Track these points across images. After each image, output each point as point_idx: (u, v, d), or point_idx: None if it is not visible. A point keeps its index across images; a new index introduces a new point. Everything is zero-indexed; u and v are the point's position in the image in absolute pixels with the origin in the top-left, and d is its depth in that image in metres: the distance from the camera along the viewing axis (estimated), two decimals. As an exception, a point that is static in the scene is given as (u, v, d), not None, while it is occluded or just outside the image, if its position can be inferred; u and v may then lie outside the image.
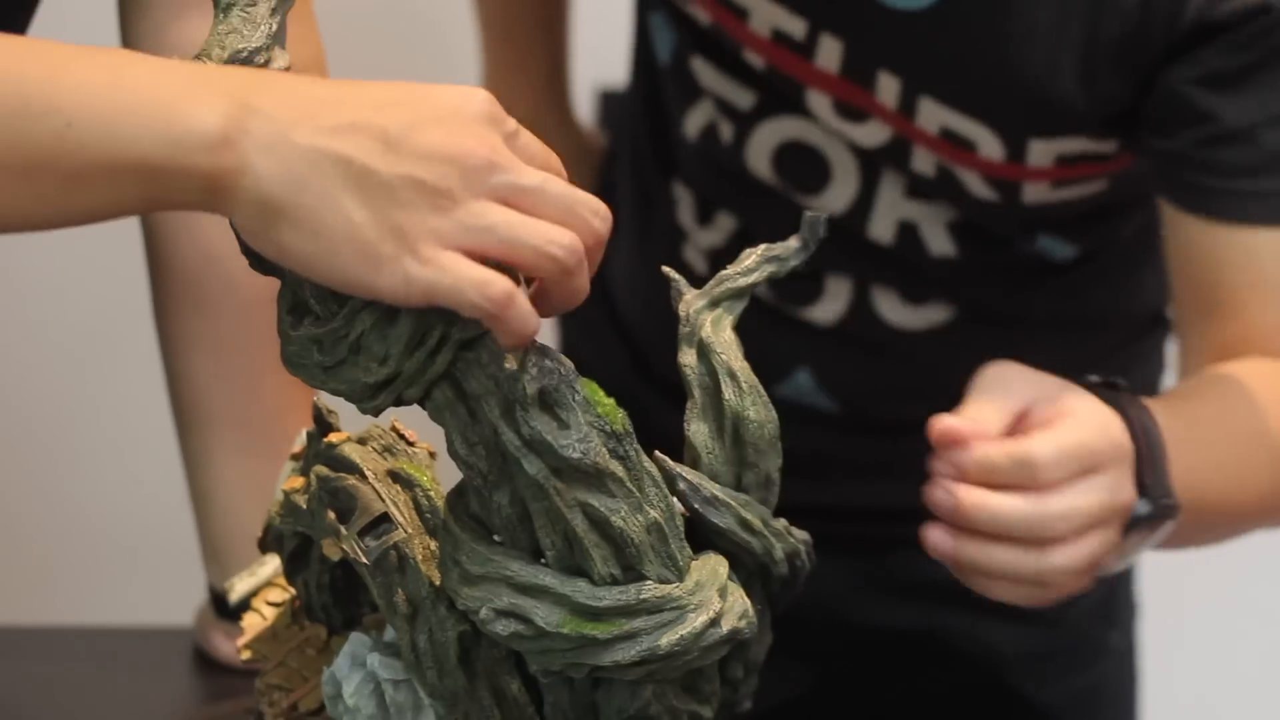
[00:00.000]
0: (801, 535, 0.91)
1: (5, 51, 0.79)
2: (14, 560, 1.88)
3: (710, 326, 0.89)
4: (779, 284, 1.31)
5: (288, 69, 0.85)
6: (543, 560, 0.83)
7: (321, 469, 0.91)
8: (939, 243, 1.29)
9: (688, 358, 0.89)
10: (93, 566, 1.88)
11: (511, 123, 0.80)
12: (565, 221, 0.79)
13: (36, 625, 1.24)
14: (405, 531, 0.88)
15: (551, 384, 0.80)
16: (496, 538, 0.84)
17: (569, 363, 0.81)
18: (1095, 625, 1.39)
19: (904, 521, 1.28)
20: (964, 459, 0.96)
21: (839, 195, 1.29)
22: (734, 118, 1.30)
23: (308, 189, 0.76)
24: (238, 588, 1.03)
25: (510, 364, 0.80)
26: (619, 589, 0.82)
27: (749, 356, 1.31)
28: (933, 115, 1.22)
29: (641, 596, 0.82)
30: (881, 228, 1.29)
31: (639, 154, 1.40)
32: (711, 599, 0.83)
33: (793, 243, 0.91)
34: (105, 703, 1.07)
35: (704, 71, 1.31)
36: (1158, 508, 1.03)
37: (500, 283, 0.77)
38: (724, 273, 0.90)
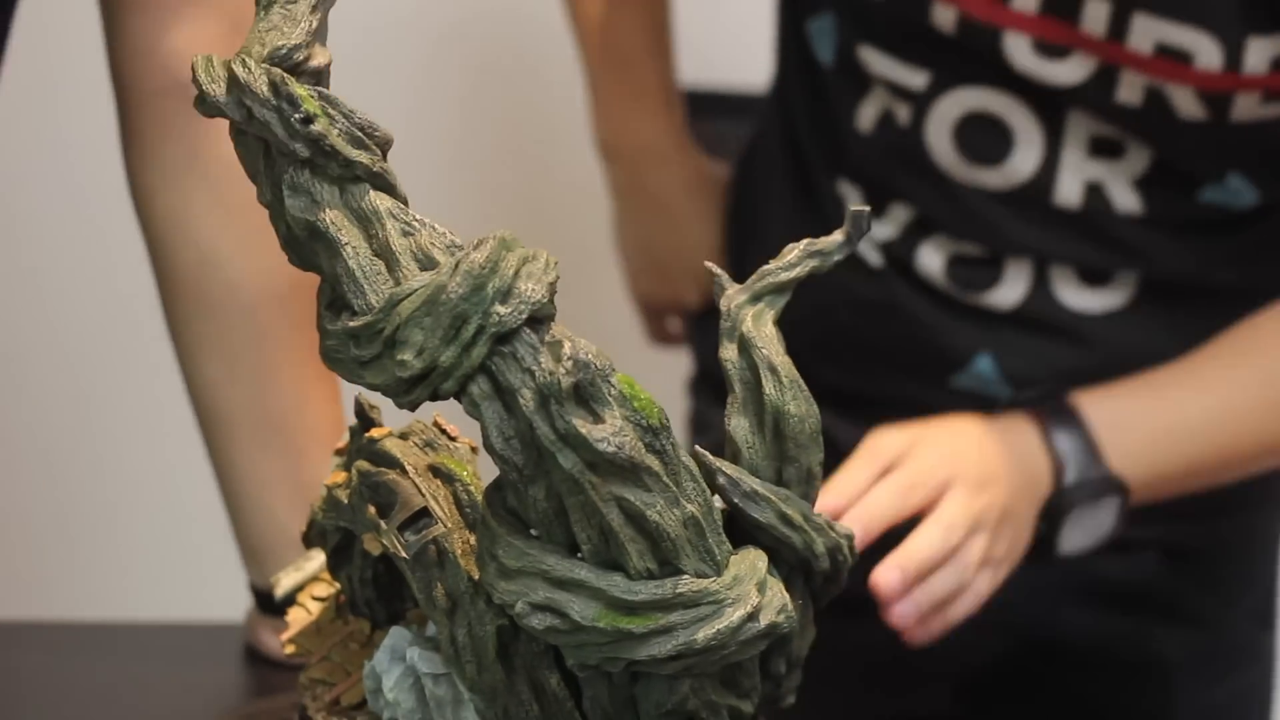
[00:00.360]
0: (844, 530, 0.90)
1: None
2: (67, 556, 1.89)
3: (751, 321, 0.88)
4: (957, 270, 1.33)
5: (328, 65, 0.86)
6: (579, 555, 0.83)
7: (363, 464, 0.91)
8: (1125, 199, 1.30)
9: (728, 352, 0.88)
10: (145, 561, 1.89)
11: None
12: None
13: (89, 621, 1.25)
14: (444, 526, 0.88)
15: (587, 378, 0.80)
16: (533, 532, 0.84)
17: (606, 357, 0.81)
18: (1254, 628, 1.40)
19: None
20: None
21: (1023, 162, 1.30)
22: (909, 100, 1.32)
23: None
24: (283, 583, 1.03)
25: (546, 358, 0.80)
26: (655, 583, 0.81)
27: (929, 346, 1.35)
28: (1146, 32, 1.22)
29: (678, 591, 0.82)
30: (1068, 191, 1.30)
31: (797, 155, 1.41)
32: (749, 593, 0.83)
33: (837, 237, 0.90)
34: (154, 696, 1.08)
35: (874, 60, 1.32)
36: (1088, 492, 1.19)
37: None
38: (765, 267, 0.90)
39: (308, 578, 1.03)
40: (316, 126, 0.82)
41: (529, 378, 0.80)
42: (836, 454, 1.36)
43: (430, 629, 0.91)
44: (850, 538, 0.91)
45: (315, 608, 1.00)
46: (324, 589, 1.01)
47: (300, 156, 0.82)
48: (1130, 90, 1.25)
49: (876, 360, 1.38)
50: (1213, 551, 1.37)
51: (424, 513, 0.88)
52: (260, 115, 0.82)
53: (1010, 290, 1.33)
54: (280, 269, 1.07)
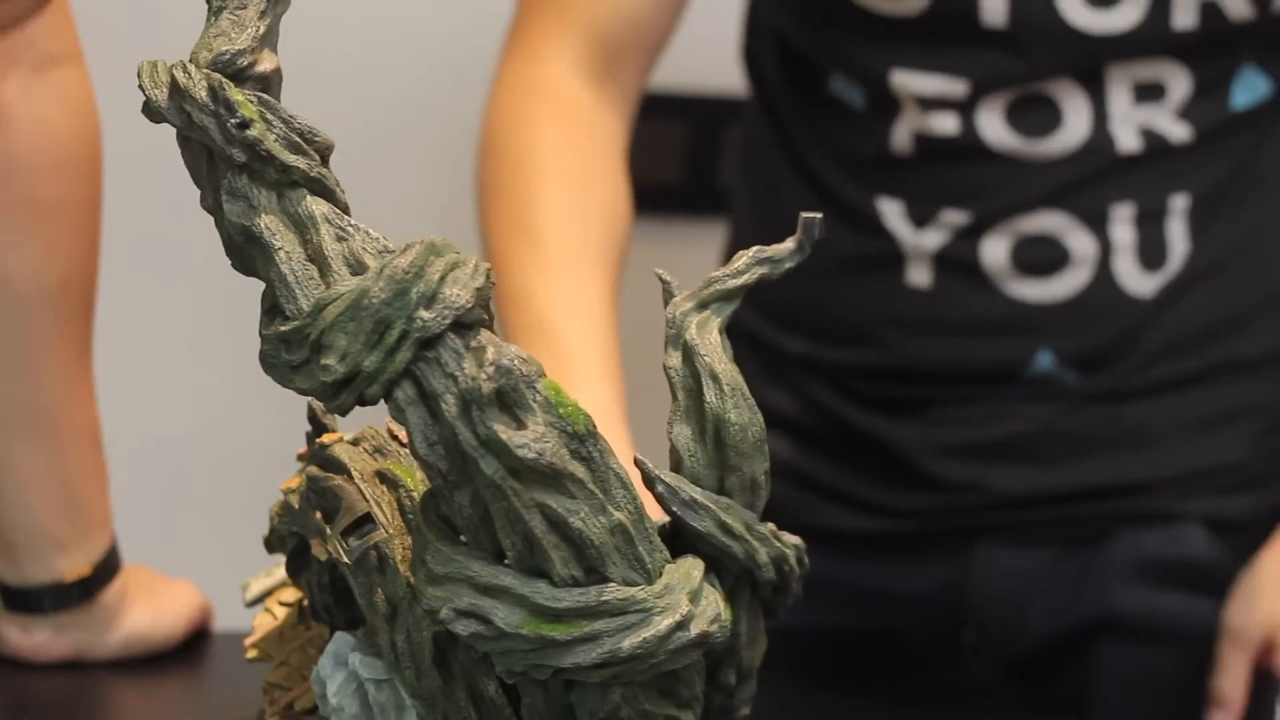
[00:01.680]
0: (791, 540, 0.90)
1: None
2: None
3: (695, 329, 0.88)
4: (1023, 255, 1.35)
5: (276, 69, 0.86)
6: (506, 561, 0.82)
7: (312, 469, 0.91)
8: (1175, 131, 1.34)
9: (672, 360, 0.88)
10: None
11: None
12: None
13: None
14: (386, 532, 0.88)
15: (509, 384, 0.79)
16: (464, 538, 0.83)
17: (532, 363, 0.80)
18: None
19: (1121, 499, 1.37)
20: None
21: (1075, 128, 1.33)
22: (952, 108, 1.34)
23: None
24: (252, 588, 1.04)
25: (469, 364, 0.80)
26: (579, 591, 0.81)
27: (986, 353, 1.36)
28: None
29: (603, 599, 0.81)
30: (1126, 138, 1.33)
31: (812, 176, 1.41)
32: (679, 602, 0.82)
33: (789, 244, 0.90)
34: (125, 707, 1.08)
35: (910, 81, 1.33)
36: None
37: None
38: (713, 275, 0.89)
39: (277, 583, 1.03)
40: (252, 131, 0.82)
41: (452, 383, 0.80)
42: (892, 456, 1.38)
43: (381, 635, 0.91)
44: (799, 548, 0.90)
45: (281, 613, 1.00)
46: (292, 594, 1.01)
47: (237, 161, 0.83)
48: (1185, 14, 1.30)
49: (931, 375, 1.38)
50: (1257, 523, 1.39)
51: (367, 518, 0.88)
52: (199, 120, 0.82)
53: (1074, 275, 1.35)
54: (52, 266, 1.08)
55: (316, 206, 0.83)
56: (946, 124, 1.34)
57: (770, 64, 1.42)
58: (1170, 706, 1.38)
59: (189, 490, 1.77)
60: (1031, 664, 1.40)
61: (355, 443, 0.92)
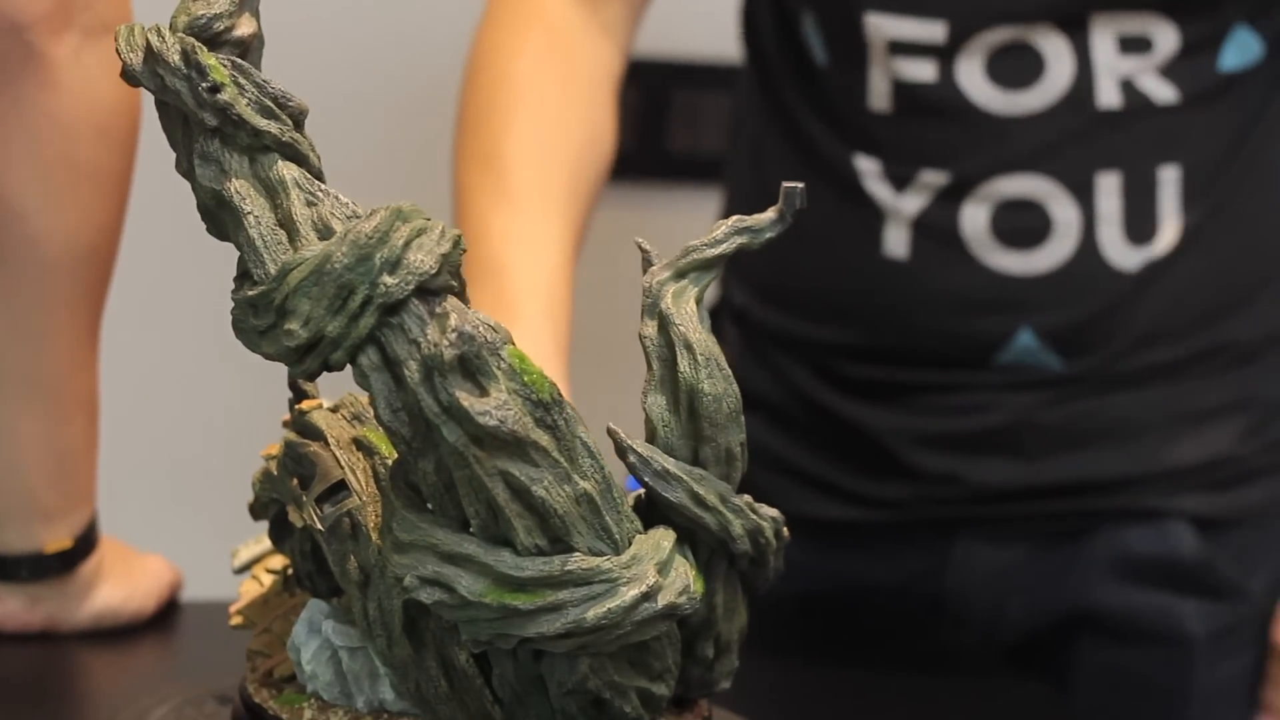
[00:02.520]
0: (769, 513, 0.89)
1: None
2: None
3: (671, 298, 0.87)
4: (1004, 223, 1.33)
5: (252, 35, 0.86)
6: (471, 529, 0.82)
7: (290, 435, 0.91)
8: (1160, 91, 1.31)
9: (648, 329, 0.87)
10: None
11: None
12: None
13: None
14: (360, 499, 0.87)
15: (472, 351, 0.79)
16: (430, 506, 0.83)
17: (498, 330, 0.80)
18: (1270, 602, 1.39)
19: (1104, 494, 1.34)
20: None
21: (1058, 77, 1.30)
22: (931, 54, 1.30)
23: None
24: (241, 555, 1.03)
25: (433, 330, 0.80)
26: (543, 560, 0.81)
27: (965, 331, 1.33)
28: None
29: (566, 568, 0.81)
30: (1107, 92, 1.30)
31: (799, 138, 1.39)
32: (646, 573, 0.82)
33: (770, 214, 0.89)
34: (116, 671, 1.08)
35: (885, 25, 1.31)
36: None
37: None
38: (691, 244, 0.88)
39: (265, 550, 1.03)
40: (224, 95, 0.82)
41: (415, 349, 0.80)
42: (870, 444, 1.36)
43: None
44: (777, 520, 0.89)
45: (268, 580, 1.00)
46: (280, 562, 1.01)
47: (209, 125, 0.82)
48: None
49: (910, 354, 1.36)
50: (1242, 523, 1.37)
51: (341, 485, 0.88)
52: (171, 84, 0.82)
53: (1057, 246, 1.32)
54: (81, 230, 1.07)
55: (288, 171, 0.83)
56: (924, 74, 1.31)
57: (765, 26, 1.40)
58: (1149, 707, 1.36)
59: (171, 458, 1.76)
60: (1010, 659, 1.38)
61: (335, 409, 0.92)
